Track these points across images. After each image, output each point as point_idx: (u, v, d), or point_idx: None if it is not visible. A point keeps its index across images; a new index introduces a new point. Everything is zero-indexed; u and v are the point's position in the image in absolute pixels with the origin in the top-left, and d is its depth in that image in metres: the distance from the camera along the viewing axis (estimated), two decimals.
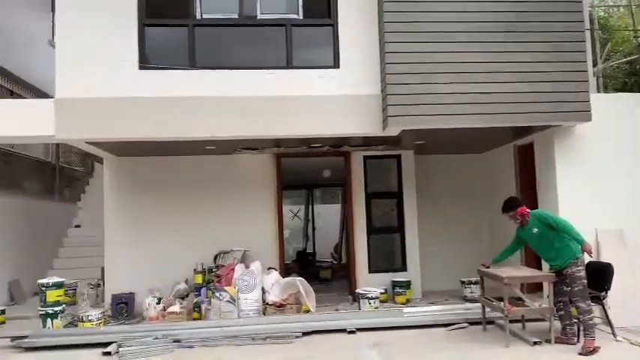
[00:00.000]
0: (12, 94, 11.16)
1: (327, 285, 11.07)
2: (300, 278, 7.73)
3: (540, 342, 6.19)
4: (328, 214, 17.74)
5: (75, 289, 9.99)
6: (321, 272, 11.81)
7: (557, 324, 6.38)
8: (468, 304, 7.91)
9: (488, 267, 6.81)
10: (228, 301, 7.56)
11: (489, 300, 6.67)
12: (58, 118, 7.13)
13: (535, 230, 6.29)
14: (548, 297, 6.32)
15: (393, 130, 7.46)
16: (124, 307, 8.42)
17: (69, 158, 14.33)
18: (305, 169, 11.81)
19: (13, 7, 11.98)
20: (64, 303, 8.11)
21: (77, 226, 12.77)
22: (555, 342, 6.17)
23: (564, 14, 7.45)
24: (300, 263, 13.35)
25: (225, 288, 7.64)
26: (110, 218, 9.12)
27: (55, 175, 13.18)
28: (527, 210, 6.40)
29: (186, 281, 8.82)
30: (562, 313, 6.26)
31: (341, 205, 16.96)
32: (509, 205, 6.54)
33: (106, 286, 9.02)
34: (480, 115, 7.28)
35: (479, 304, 7.15)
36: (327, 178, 12.93)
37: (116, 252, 9.02)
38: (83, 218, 12.80)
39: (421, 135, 8.19)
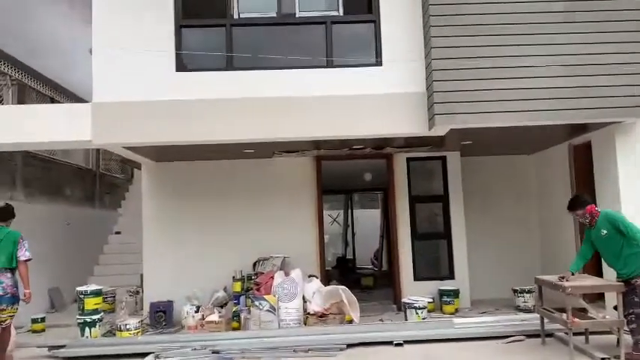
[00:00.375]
0: (52, 101, 11.23)
1: (369, 293, 10.67)
2: (342, 287, 7.37)
3: (609, 358, 5.63)
4: (368, 220, 17.38)
5: (114, 297, 9.91)
6: (363, 280, 11.41)
7: (628, 338, 5.81)
8: (524, 315, 7.39)
9: (566, 279, 6.01)
10: (267, 311, 7.27)
11: (549, 311, 6.15)
12: (95, 122, 7.01)
13: (604, 232, 5.74)
14: (614, 308, 5.77)
15: (439, 130, 7.04)
16: (162, 316, 8.24)
17: (109, 165, 14.40)
18: (345, 173, 11.47)
19: (54, 16, 12.10)
20: (103, 311, 8.00)
21: (117, 233, 12.77)
22: (626, 358, 5.60)
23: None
24: (340, 270, 12.98)
25: (265, 296, 7.35)
26: (148, 224, 8.98)
27: (96, 182, 13.24)
28: (596, 208, 5.87)
29: (225, 289, 8.58)
30: (634, 326, 5.68)
31: (381, 209, 16.56)
32: (577, 203, 5.99)
33: (145, 293, 8.87)
34: (534, 113, 6.79)
35: (535, 315, 6.64)
36: (367, 182, 12.53)
37: (154, 259, 8.87)
38: (123, 225, 12.79)
39: (469, 135, 7.74)
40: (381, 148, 8.57)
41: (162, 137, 7.04)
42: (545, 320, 6.32)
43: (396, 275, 9.08)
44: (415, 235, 9.11)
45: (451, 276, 9.08)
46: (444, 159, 9.28)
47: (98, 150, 13.10)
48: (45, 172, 10.93)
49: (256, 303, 7.32)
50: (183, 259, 8.87)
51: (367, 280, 11.39)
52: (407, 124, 7.10)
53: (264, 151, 8.45)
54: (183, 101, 7.04)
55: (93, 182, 13.13)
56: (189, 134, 7.03)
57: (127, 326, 7.13)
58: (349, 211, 16.44)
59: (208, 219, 8.99)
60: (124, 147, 7.43)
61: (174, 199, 9.01)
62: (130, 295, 9.92)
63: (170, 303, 8.40)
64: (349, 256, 16.22)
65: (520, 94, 6.77)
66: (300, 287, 7.65)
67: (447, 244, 9.17)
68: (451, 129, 7.05)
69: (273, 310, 7.28)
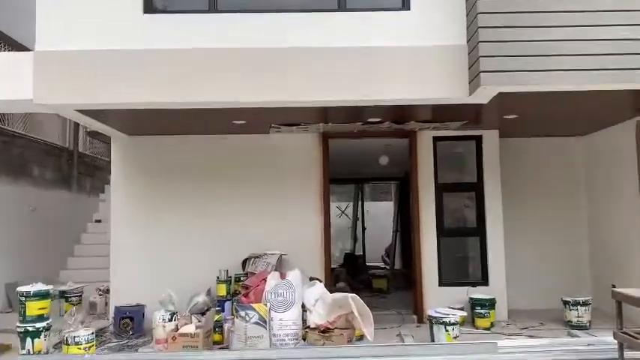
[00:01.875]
0: None
1: (382, 298, 9.07)
2: (352, 295, 5.75)
3: None
4: (379, 213, 15.90)
5: (80, 296, 8.38)
6: (375, 282, 9.78)
7: None
8: (588, 337, 5.75)
9: None
10: (256, 323, 5.67)
11: (633, 337, 4.52)
12: (38, 77, 5.42)
13: None
14: None
15: (483, 95, 5.38)
16: (128, 323, 6.70)
17: (92, 144, 12.86)
18: (357, 156, 9.83)
19: None
20: (67, 313, 6.41)
21: (98, 221, 11.26)
22: None
23: None
24: (348, 268, 11.37)
25: (253, 305, 5.76)
26: (118, 211, 7.43)
27: (73, 162, 11.69)
28: None
29: (209, 292, 7.00)
30: None
31: (394, 202, 14.95)
32: None
33: (111, 295, 7.33)
34: (612, 73, 5.12)
35: (606, 339, 5.05)
36: (381, 169, 10.88)
37: (123, 252, 7.32)
38: (106, 212, 11.22)
39: (515, 105, 6.10)
40: (402, 122, 6.93)
41: (124, 98, 5.44)
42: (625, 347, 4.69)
43: (418, 278, 7.46)
44: (441, 231, 7.48)
45: (484, 281, 7.45)
46: (478, 139, 7.62)
47: (77, 125, 11.56)
48: (5, 149, 9.37)
49: (241, 313, 5.73)
50: (159, 254, 7.32)
51: (380, 282, 9.76)
52: (440, 86, 5.45)
53: (259, 124, 6.85)
54: (151, 51, 5.44)
55: (70, 163, 11.58)
56: (157, 94, 5.42)
57: (76, 339, 5.56)
58: (359, 203, 14.82)
59: (190, 206, 7.42)
60: (77, 111, 5.84)
61: (149, 181, 7.44)
62: (100, 295, 8.41)
63: (140, 308, 6.85)
64: (358, 252, 14.66)
65: (593, 49, 5.11)
66: (299, 293, 6.05)
67: (480, 243, 7.53)
68: (496, 96, 5.40)
69: (263, 322, 5.69)
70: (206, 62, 5.41)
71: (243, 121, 6.61)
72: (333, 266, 13.19)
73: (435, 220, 7.47)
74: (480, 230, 7.51)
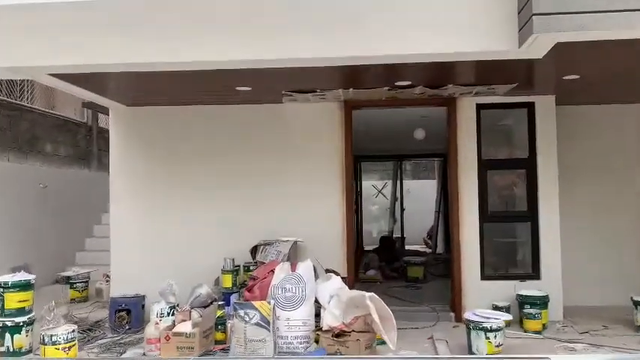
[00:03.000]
0: None
1: (417, 289, 8.05)
2: (370, 294, 4.79)
3: None
4: (421, 192, 14.77)
5: (87, 282, 7.78)
6: (410, 270, 8.74)
7: None
8: None
9: None
10: (257, 324, 4.82)
11: None
12: None
13: None
14: None
15: (536, 46, 4.19)
16: (124, 317, 5.99)
17: None
18: (389, 132, 8.78)
19: None
20: (45, 307, 5.78)
21: None
22: None
23: None
24: (382, 253, 10.38)
25: (254, 303, 4.89)
26: (117, 190, 6.70)
27: (92, 138, 11.12)
28: None
29: (217, 282, 6.22)
30: None
31: (437, 180, 13.79)
32: None
33: (112, 282, 6.65)
34: None
35: None
36: (421, 144, 9.75)
37: (124, 236, 6.60)
38: None
39: (576, 61, 4.90)
40: (437, 86, 5.82)
41: (103, 58, 4.57)
42: None
43: (456, 271, 6.40)
44: (485, 216, 6.37)
45: (535, 274, 6.32)
46: (531, 107, 6.42)
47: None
48: (13, 123, 8.82)
49: (240, 312, 4.87)
50: (162, 239, 6.57)
51: (415, 270, 8.70)
52: (482, 36, 4.32)
53: (268, 91, 5.91)
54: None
55: (88, 138, 11.01)
56: (136, 52, 4.52)
57: (54, 338, 4.85)
58: (398, 181, 13.72)
59: (195, 186, 6.61)
60: (51, 75, 5.03)
61: (150, 156, 6.67)
62: (107, 281, 7.76)
63: (138, 299, 6.13)
64: (397, 234, 13.63)
65: None
66: (311, 288, 5.15)
67: (531, 229, 6.39)
68: (553, 48, 4.23)
69: (266, 323, 4.82)
70: (191, 8, 4.47)
71: (248, 88, 5.68)
72: (367, 248, 12.36)
73: (477, 202, 6.37)
74: (531, 214, 6.36)
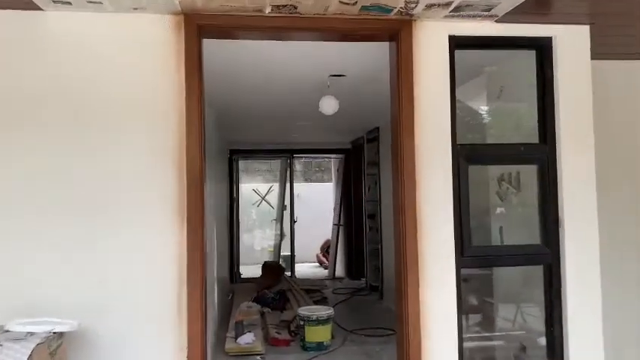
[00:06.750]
0: None
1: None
2: None
3: None
4: (314, 198, 11.96)
5: None
6: (310, 332, 5.32)
7: None
8: None
9: None
10: None
11: None
12: None
13: None
14: None
15: None
16: None
17: None
18: (281, 104, 5.46)
19: None
20: None
21: None
22: None
23: None
24: (265, 293, 7.08)
25: None
26: None
27: None
28: None
29: None
30: None
31: (336, 184, 10.80)
32: None
33: None
34: None
35: None
36: (319, 134, 6.54)
37: None
38: None
39: None
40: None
41: None
42: None
43: (412, 342, 3.18)
44: (463, 248, 3.23)
45: (557, 355, 3.32)
46: (545, 45, 3.38)
47: None
48: None
49: None
50: None
51: (318, 332, 5.29)
52: None
53: None
54: None
55: None
56: None
57: None
58: (287, 184, 10.49)
59: None
60: None
61: None
62: None
63: None
64: (286, 252, 10.53)
65: None
66: None
67: (549, 279, 3.35)
68: None
69: None
70: None
71: None
72: (245, 275, 9.25)
73: (451, 222, 3.20)
74: (548, 250, 3.33)
